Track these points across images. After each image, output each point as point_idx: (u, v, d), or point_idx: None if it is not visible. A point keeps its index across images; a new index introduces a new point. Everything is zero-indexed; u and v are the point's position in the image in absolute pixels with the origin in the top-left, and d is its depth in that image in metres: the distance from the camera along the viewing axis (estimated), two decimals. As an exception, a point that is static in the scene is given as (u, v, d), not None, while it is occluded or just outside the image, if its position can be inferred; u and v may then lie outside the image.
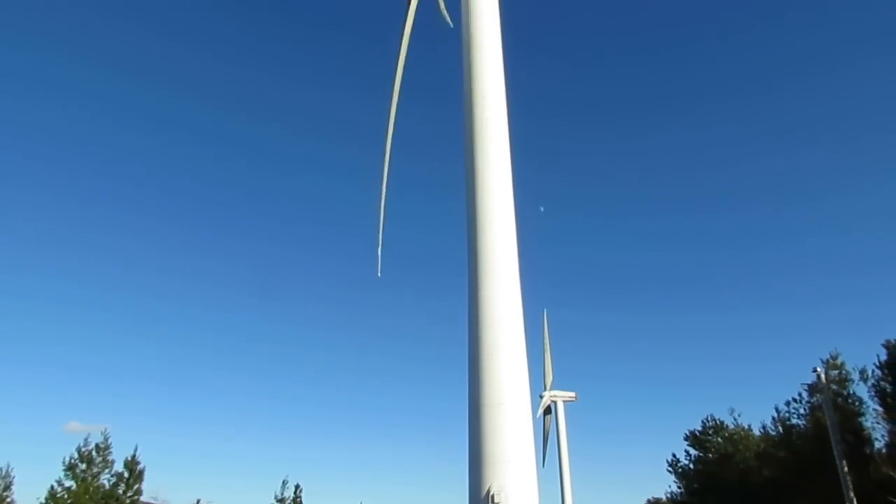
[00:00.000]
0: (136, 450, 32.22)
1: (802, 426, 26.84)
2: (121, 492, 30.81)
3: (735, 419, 38.71)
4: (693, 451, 40.41)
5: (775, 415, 29.67)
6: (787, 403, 27.73)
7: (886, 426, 22.17)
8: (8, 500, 27.54)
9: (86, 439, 30.92)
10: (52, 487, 29.17)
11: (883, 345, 21.70)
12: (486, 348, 33.45)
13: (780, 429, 29.32)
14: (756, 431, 36.12)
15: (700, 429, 39.89)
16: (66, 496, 29.06)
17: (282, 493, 45.74)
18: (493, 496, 30.16)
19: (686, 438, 40.83)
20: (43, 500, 28.89)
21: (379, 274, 42.20)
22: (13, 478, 27.79)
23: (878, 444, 23.31)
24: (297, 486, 46.95)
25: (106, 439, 31.25)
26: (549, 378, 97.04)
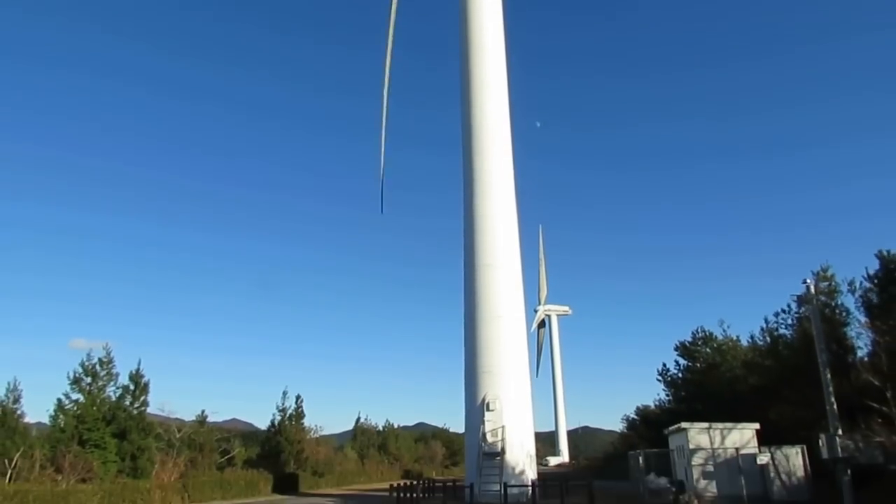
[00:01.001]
0: (139, 363, 33.23)
1: (789, 336, 27.58)
2: (127, 403, 31.90)
3: (724, 330, 39.83)
4: (682, 361, 41.74)
5: (763, 325, 30.46)
6: (776, 315, 28.43)
7: (870, 335, 22.78)
8: (18, 412, 28.43)
9: (88, 354, 31.71)
10: (59, 400, 30.17)
11: (875, 255, 21.93)
12: (482, 264, 33.78)
13: (768, 339, 30.15)
14: (744, 342, 37.24)
15: (690, 339, 41.02)
16: (74, 408, 30.07)
17: (283, 404, 47.64)
18: (488, 404, 31.31)
19: (676, 349, 42.07)
20: (52, 413, 29.91)
21: (382, 212, 41.54)
22: (21, 391, 28.65)
23: (860, 353, 24.09)
24: (297, 397, 48.82)
25: (108, 353, 32.08)
26: (544, 293, 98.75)
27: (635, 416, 56.62)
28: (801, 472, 22.31)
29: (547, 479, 33.81)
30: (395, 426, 75.22)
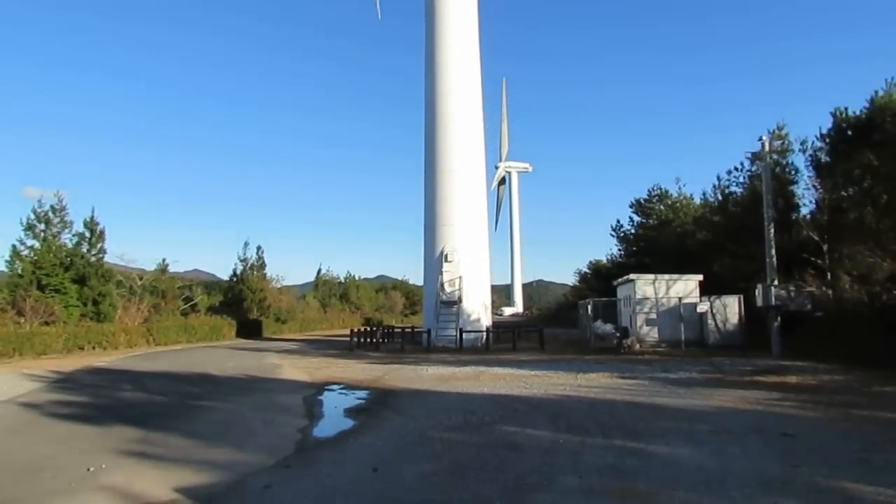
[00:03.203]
0: (93, 211, 32.60)
1: (739, 194, 28.36)
2: (84, 250, 31.63)
3: (679, 188, 40.73)
4: (636, 218, 42.90)
5: (716, 183, 31.11)
6: (729, 172, 28.92)
7: (815, 193, 23.61)
8: None
9: (39, 200, 30.80)
10: (13, 246, 29.65)
11: (831, 113, 22.07)
12: (443, 114, 32.96)
13: (719, 196, 30.98)
14: (697, 200, 38.31)
15: (646, 197, 41.92)
16: (31, 255, 29.70)
17: (244, 254, 48.09)
18: (446, 255, 32.03)
19: (631, 206, 43.06)
20: (8, 258, 29.53)
21: (379, 18, 40.35)
22: (-27, 238, 28.03)
23: (804, 211, 25.08)
24: (258, 248, 49.26)
25: (61, 201, 31.26)
26: (505, 149, 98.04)
27: (587, 270, 58.97)
28: (735, 320, 24.00)
29: (501, 326, 35.76)
30: (357, 277, 77.27)
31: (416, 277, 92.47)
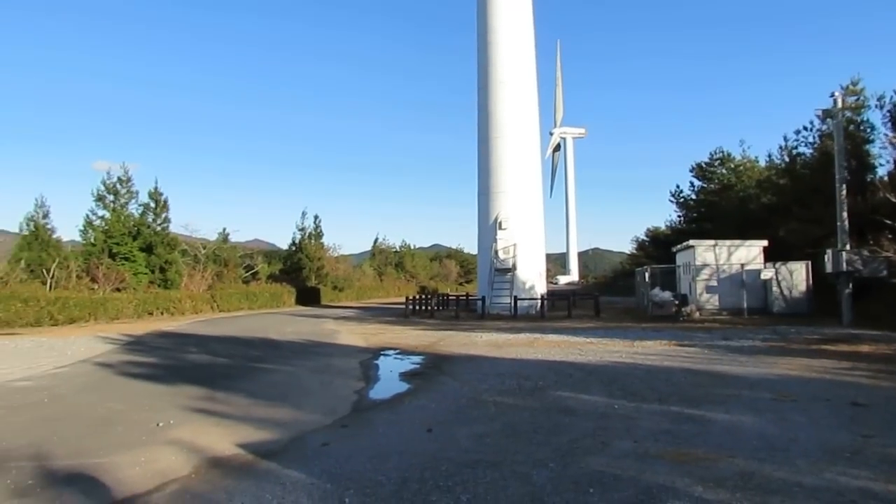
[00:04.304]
0: (156, 182, 34.01)
1: (808, 155, 26.88)
2: (150, 220, 33.02)
3: (743, 151, 39.02)
4: (697, 183, 41.43)
5: (783, 144, 29.52)
6: (797, 132, 27.32)
7: (892, 152, 22.14)
8: (49, 226, 29.58)
9: (108, 172, 32.23)
10: (86, 216, 31.27)
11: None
12: (496, 80, 32.42)
13: (786, 158, 29.44)
14: (762, 163, 36.61)
15: (707, 160, 40.37)
16: (102, 224, 31.24)
17: (303, 223, 49.20)
18: (500, 222, 31.79)
19: (692, 170, 41.57)
20: (82, 228, 31.14)
21: None
22: (49, 208, 29.60)
23: (880, 171, 23.62)
24: (316, 217, 50.33)
25: (126, 172, 32.64)
26: (560, 114, 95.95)
27: (645, 238, 57.58)
28: (802, 287, 23.02)
29: (556, 294, 35.47)
30: (412, 247, 77.95)
31: (470, 246, 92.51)
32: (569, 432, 6.62)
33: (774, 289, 23.30)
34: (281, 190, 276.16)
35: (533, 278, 30.32)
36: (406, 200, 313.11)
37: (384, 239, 73.01)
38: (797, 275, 23.07)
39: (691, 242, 25.57)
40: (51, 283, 26.84)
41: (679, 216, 44.52)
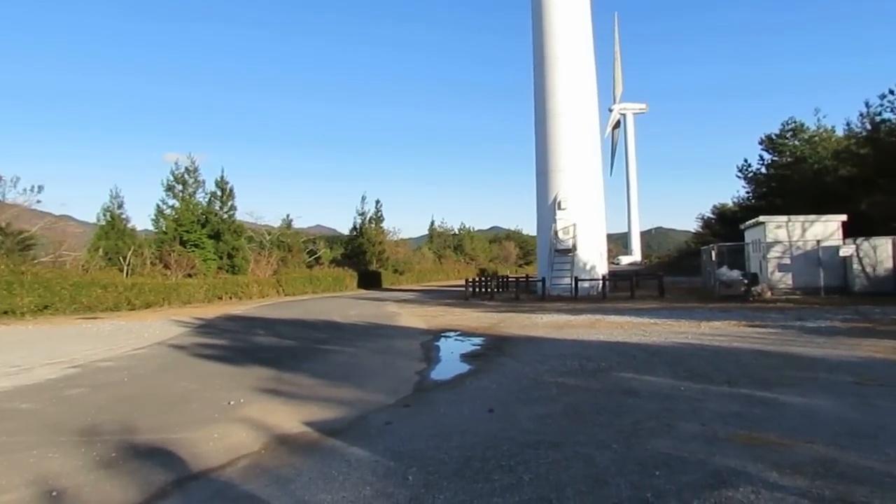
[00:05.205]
0: (222, 171, 35.22)
1: (894, 121, 25.02)
2: (217, 208, 34.27)
3: (818, 120, 36.84)
4: (767, 156, 39.55)
5: (864, 111, 27.56)
6: (882, 97, 25.36)
7: None
8: (123, 216, 31.06)
9: (176, 163, 33.57)
10: (158, 206, 32.72)
11: None
12: (552, 57, 31.78)
13: (868, 125, 27.53)
14: (840, 132, 34.51)
15: (778, 132, 38.42)
16: (172, 213, 32.66)
17: (363, 208, 49.87)
18: (559, 202, 31.33)
19: (761, 143, 39.68)
20: (153, 217, 32.62)
21: None
22: (123, 198, 31.06)
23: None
24: (377, 201, 50.91)
25: (193, 163, 33.85)
26: (619, 90, 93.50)
27: (711, 215, 55.69)
28: (888, 264, 21.71)
29: (618, 275, 34.75)
30: (471, 229, 77.91)
31: (529, 227, 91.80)
32: (632, 414, 6.48)
33: (855, 266, 22.09)
34: (340, 176, 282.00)
35: (593, 259, 29.80)
36: (464, 183, 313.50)
37: (443, 222, 73.17)
38: (881, 251, 21.78)
39: (761, 219, 24.50)
40: (127, 269, 28.28)
41: (747, 192, 42.79)
